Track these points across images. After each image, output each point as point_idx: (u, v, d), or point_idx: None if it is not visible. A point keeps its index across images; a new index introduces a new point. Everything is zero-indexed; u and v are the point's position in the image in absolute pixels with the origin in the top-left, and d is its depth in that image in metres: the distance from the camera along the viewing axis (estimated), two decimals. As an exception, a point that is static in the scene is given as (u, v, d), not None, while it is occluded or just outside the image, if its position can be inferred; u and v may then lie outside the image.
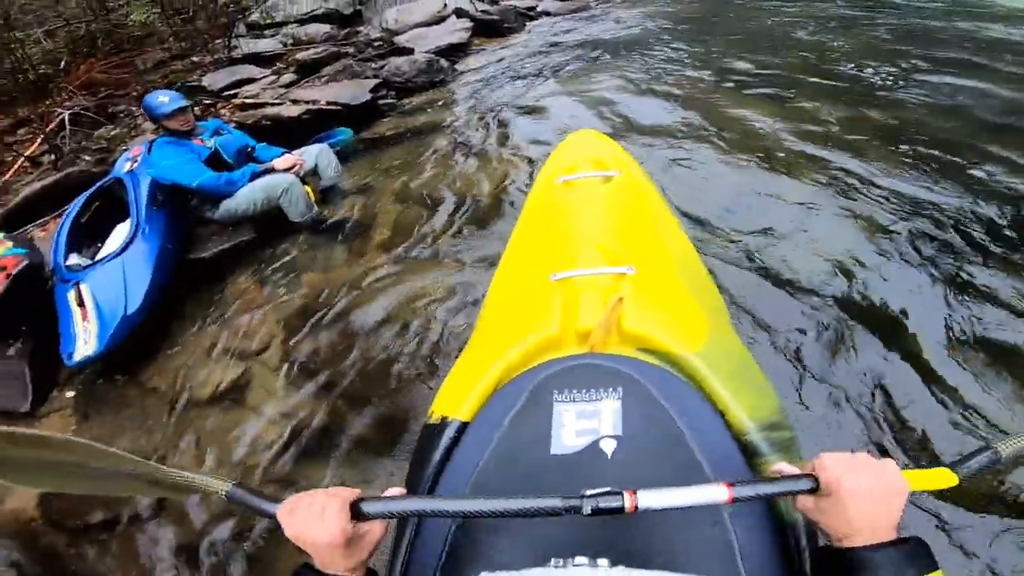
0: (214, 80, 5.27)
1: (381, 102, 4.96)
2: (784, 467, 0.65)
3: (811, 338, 1.90)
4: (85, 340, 2.27)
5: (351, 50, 5.96)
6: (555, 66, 5.52)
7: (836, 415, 1.65)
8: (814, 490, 0.58)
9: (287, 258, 2.98)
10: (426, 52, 5.84)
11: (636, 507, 0.57)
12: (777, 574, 0.67)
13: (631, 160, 1.48)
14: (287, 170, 3.12)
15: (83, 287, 2.43)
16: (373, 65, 5.56)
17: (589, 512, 0.57)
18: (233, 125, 3.80)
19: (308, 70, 5.42)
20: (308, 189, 3.16)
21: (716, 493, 0.57)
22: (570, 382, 0.84)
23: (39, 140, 4.45)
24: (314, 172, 3.42)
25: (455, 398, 0.93)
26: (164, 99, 2.96)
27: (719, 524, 0.67)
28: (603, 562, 0.56)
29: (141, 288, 2.49)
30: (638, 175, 1.43)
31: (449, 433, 0.87)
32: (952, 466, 0.63)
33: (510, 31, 7.11)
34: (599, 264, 1.06)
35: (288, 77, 5.33)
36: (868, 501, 0.55)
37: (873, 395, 1.70)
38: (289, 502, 0.64)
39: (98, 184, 3.09)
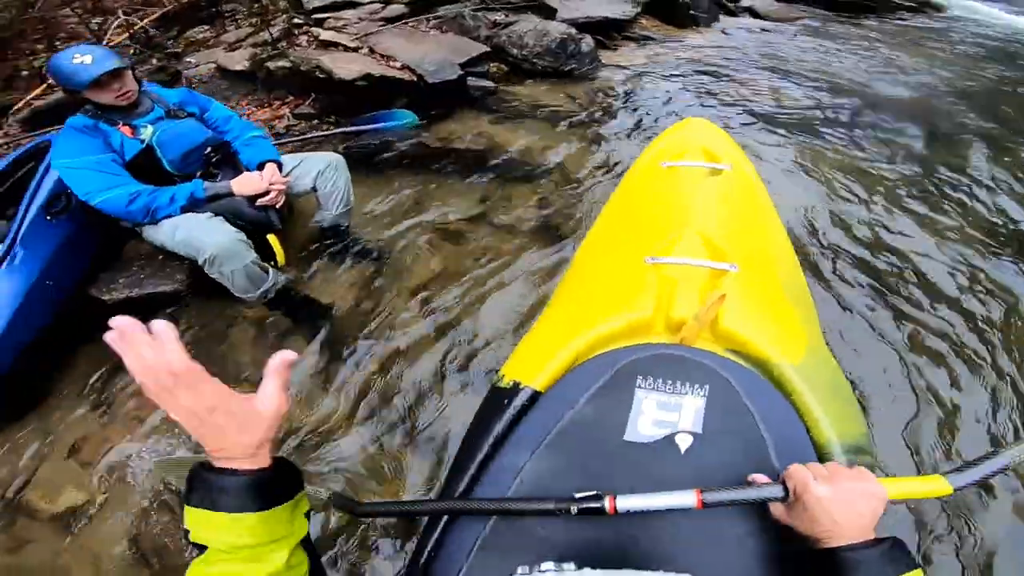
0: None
1: (475, 83, 3.71)
2: (758, 477, 0.69)
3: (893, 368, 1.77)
4: None
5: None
6: (752, 98, 3.79)
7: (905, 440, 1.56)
8: (784, 498, 0.63)
9: (227, 329, 1.98)
10: (568, 21, 4.37)
11: (616, 509, 0.64)
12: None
13: (743, 155, 1.42)
14: (253, 200, 1.96)
15: None
16: (489, 21, 4.27)
17: (575, 512, 0.64)
18: (285, 71, 3.26)
19: (423, 3, 4.39)
20: (273, 240, 2.02)
21: (687, 499, 0.63)
22: (656, 370, 0.83)
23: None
24: (301, 194, 2.23)
25: (530, 365, 0.93)
26: (83, 59, 1.79)
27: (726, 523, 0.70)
28: (568, 566, 0.58)
29: None
30: (749, 172, 1.38)
31: (520, 400, 0.87)
32: (948, 475, 0.64)
33: (694, 22, 5.20)
34: (701, 256, 1.04)
35: (397, 8, 4.36)
36: (836, 505, 0.59)
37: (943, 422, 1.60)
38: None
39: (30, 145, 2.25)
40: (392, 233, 2.40)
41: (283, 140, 3.06)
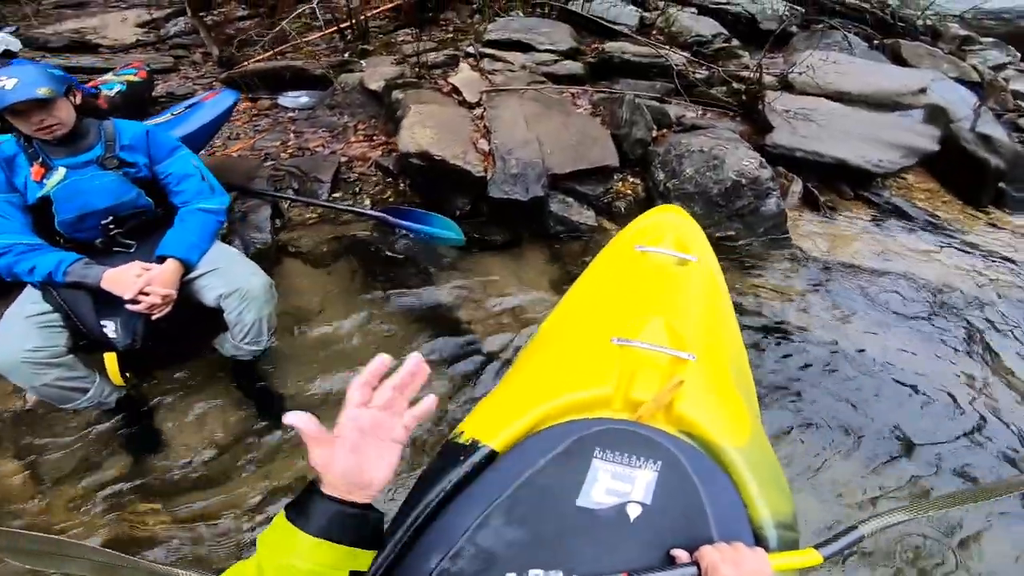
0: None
1: (563, 210, 2.71)
2: (680, 554, 0.76)
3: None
4: None
5: (682, 63, 3.77)
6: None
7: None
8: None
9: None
10: (775, 150, 3.07)
11: None
12: None
13: (709, 248, 1.51)
14: (128, 302, 1.55)
15: None
16: (657, 117, 3.26)
17: None
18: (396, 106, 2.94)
19: (604, 68, 3.89)
20: (109, 361, 1.65)
21: None
22: (614, 443, 0.89)
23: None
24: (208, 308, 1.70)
25: (490, 425, 0.98)
26: (4, 82, 1.48)
27: None
28: (556, 573, 0.65)
29: None
30: (713, 265, 1.48)
31: (477, 457, 0.91)
32: (818, 547, 0.81)
33: (1003, 203, 3.32)
34: (664, 343, 1.12)
35: (571, 67, 3.81)
36: None
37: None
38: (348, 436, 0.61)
39: None
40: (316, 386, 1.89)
41: (314, 202, 2.75)
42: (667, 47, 4.10)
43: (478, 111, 3.26)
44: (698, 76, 3.89)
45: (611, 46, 4.04)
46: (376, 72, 3.82)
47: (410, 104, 3.06)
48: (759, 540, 0.85)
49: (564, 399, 1.00)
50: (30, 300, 1.59)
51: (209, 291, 1.68)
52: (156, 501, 1.60)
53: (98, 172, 1.66)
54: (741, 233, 2.80)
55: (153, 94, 3.92)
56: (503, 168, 2.68)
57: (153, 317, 1.58)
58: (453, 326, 2.20)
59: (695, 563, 0.72)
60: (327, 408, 1.77)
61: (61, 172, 1.62)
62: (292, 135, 3.69)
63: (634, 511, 0.81)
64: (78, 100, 1.65)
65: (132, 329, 1.59)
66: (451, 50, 4.23)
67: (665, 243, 1.43)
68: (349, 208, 2.70)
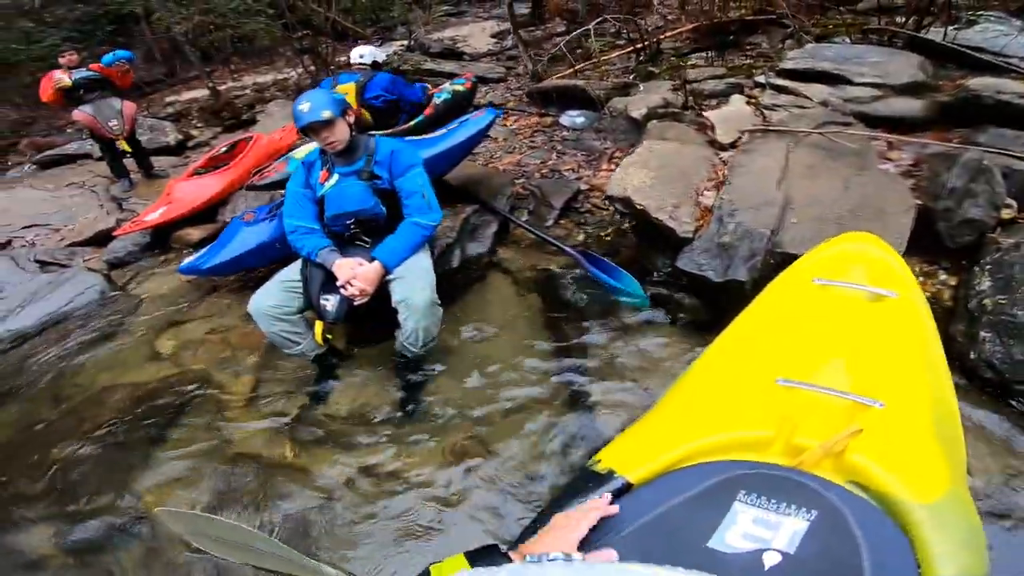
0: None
1: None
2: None
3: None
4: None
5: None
6: None
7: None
8: None
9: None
10: None
11: None
12: None
13: (914, 281, 1.29)
14: (339, 285, 2.03)
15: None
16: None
17: None
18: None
19: (964, 111, 2.79)
20: (317, 327, 2.11)
21: None
22: (763, 488, 0.83)
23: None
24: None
25: (629, 457, 0.96)
26: (303, 106, 2.00)
27: None
28: (577, 555, 0.62)
29: (230, 252, 2.77)
30: (918, 300, 1.26)
31: (611, 487, 0.90)
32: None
33: None
34: (842, 387, 1.01)
35: (901, 109, 2.96)
36: None
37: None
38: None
39: None
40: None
41: (529, 230, 2.91)
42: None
43: (727, 154, 2.83)
44: None
45: (980, 82, 2.85)
46: (646, 98, 3.69)
47: (645, 139, 2.88)
48: None
49: (715, 438, 0.96)
50: (292, 269, 2.16)
51: (394, 294, 2.05)
52: (306, 438, 1.97)
53: (355, 182, 2.12)
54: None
55: (474, 102, 4.59)
56: (716, 232, 2.25)
57: (355, 303, 2.02)
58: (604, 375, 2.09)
59: None
60: (454, 422, 1.94)
61: (335, 178, 2.13)
62: (554, 155, 4.01)
63: (771, 559, 0.74)
64: (351, 119, 2.12)
65: (340, 308, 2.03)
66: (741, 78, 3.89)
67: (853, 276, 1.28)
68: (553, 241, 2.79)
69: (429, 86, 4.04)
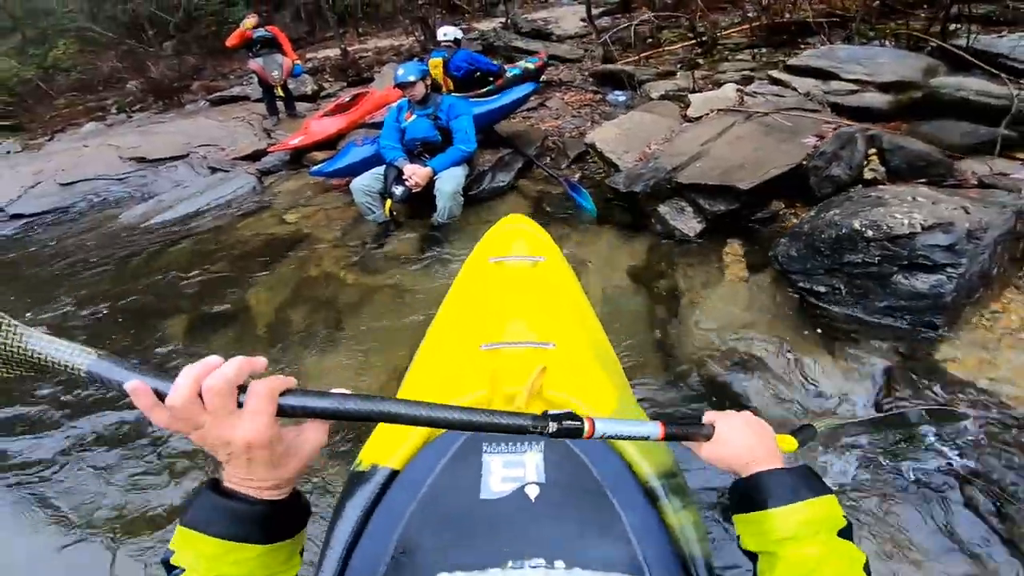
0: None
1: (672, 223, 2.98)
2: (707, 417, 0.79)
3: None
4: None
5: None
6: None
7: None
8: (710, 436, 0.73)
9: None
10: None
11: (593, 433, 0.63)
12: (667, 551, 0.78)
13: (556, 248, 1.66)
14: (404, 178, 3.38)
15: None
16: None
17: (553, 431, 0.61)
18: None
19: (924, 107, 3.34)
20: (387, 203, 3.49)
21: (653, 430, 0.68)
22: (497, 436, 0.91)
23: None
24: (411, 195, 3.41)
25: (384, 448, 0.99)
26: (399, 71, 3.45)
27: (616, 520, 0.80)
28: (559, 563, 0.65)
29: (346, 161, 4.15)
30: (560, 261, 1.62)
31: (378, 479, 0.92)
32: (793, 434, 0.88)
33: None
34: (525, 338, 1.22)
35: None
36: (742, 437, 0.71)
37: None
38: (185, 381, 0.49)
39: None
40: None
41: (540, 166, 4.09)
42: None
43: (686, 124, 3.73)
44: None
45: (946, 81, 3.31)
46: (668, 83, 4.63)
47: (634, 111, 3.87)
48: (648, 494, 0.87)
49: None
50: (380, 168, 3.58)
51: (437, 185, 3.39)
52: (365, 266, 3.26)
53: (424, 120, 3.53)
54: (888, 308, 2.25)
55: (541, 78, 5.61)
56: (639, 167, 3.33)
57: (412, 191, 3.38)
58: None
59: (711, 424, 0.75)
60: (455, 265, 2.99)
61: (413, 117, 3.55)
62: (589, 123, 4.78)
63: (533, 491, 0.82)
64: (428, 82, 3.52)
65: (404, 193, 3.38)
66: (761, 72, 4.50)
67: (515, 250, 1.56)
68: (553, 173, 3.95)
69: (504, 62, 5.14)
